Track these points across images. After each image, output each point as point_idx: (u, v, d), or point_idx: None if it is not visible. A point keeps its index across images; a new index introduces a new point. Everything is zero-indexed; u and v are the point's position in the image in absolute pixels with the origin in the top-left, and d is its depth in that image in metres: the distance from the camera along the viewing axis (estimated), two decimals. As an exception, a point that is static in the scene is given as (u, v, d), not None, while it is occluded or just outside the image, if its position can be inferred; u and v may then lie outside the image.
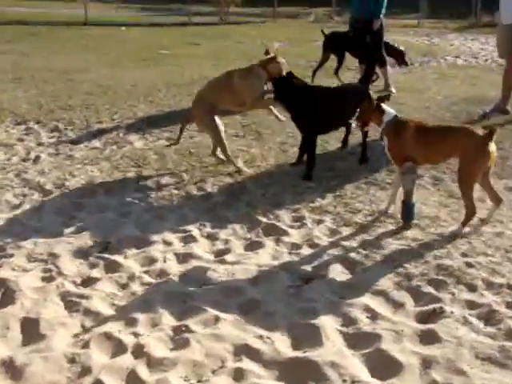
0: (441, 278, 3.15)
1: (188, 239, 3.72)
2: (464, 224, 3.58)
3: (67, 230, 3.78)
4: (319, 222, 3.91)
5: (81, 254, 3.49)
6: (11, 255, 3.42)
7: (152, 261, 3.45)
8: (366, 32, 7.45)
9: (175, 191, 4.43)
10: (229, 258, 3.48)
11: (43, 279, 3.20)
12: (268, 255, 3.50)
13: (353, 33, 7.76)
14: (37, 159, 5.03)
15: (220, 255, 3.53)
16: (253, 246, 3.64)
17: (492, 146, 3.43)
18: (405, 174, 3.69)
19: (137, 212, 4.09)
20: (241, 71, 4.68)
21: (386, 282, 3.14)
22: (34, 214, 4.00)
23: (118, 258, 3.46)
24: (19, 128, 6.01)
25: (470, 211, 3.54)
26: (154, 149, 5.36)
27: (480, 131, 3.48)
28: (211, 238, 3.75)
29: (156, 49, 12.33)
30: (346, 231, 3.76)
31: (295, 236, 3.74)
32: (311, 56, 11.75)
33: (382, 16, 7.50)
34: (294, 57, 11.65)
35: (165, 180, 4.63)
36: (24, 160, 5.01)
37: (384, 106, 3.77)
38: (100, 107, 6.87)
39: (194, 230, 3.83)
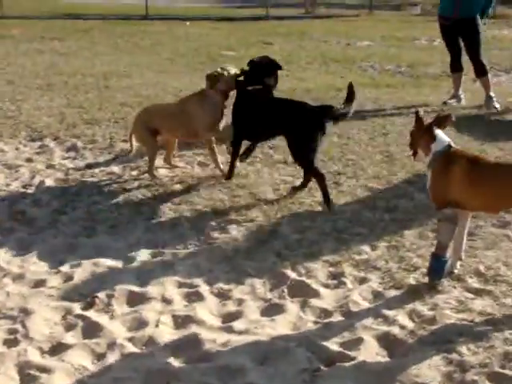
0: (507, 372, 2.81)
1: (193, 297, 3.59)
2: None
3: (51, 279, 3.75)
4: (362, 280, 3.67)
5: (59, 310, 3.43)
6: (-24, 309, 3.41)
7: (142, 324, 3.33)
8: (460, 33, 7.20)
9: (192, 232, 4.32)
10: (238, 325, 3.31)
11: (4, 342, 3.15)
12: (287, 324, 3.30)
13: (442, 35, 7.52)
14: (40, 185, 5.09)
15: (228, 320, 3.37)
16: (272, 310, 3.45)
17: None
18: (443, 222, 3.42)
19: (141, 257, 4.01)
20: (190, 97, 4.97)
21: (432, 373, 2.85)
22: (17, 256, 4.01)
23: (101, 318, 3.38)
24: (32, 145, 6.14)
25: None
26: (180, 176, 5.29)
27: None
28: (222, 296, 3.60)
29: (219, 49, 12.46)
30: (393, 295, 3.49)
31: (327, 299, 3.52)
32: (405, 59, 11.45)
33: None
34: (384, 60, 11.40)
35: (183, 217, 4.53)
36: (25, 186, 5.09)
37: (437, 130, 3.40)
38: (130, 122, 6.89)
39: (202, 284, 3.69)
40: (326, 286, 3.66)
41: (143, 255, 4.04)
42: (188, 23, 17.07)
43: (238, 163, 5.09)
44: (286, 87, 8.73)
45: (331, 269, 3.82)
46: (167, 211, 4.64)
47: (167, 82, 9.09)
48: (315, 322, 3.30)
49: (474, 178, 3.25)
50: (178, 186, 5.09)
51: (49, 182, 5.16)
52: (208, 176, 5.26)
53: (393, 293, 3.52)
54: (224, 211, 4.62)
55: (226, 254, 4.03)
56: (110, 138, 6.38)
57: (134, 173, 5.42)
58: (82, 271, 3.84)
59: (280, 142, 6.16)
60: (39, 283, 3.71)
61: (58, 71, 9.72)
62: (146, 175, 5.22)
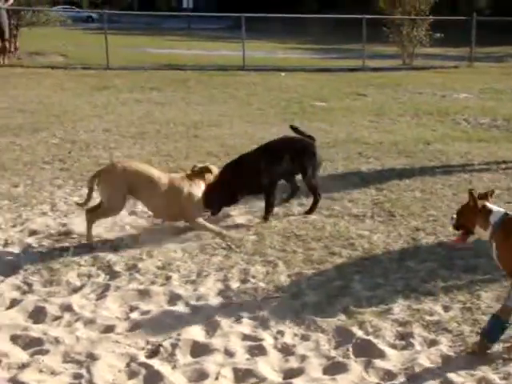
0: None
1: (256, 350, 3.58)
2: None
3: (120, 325, 3.85)
4: (431, 343, 3.56)
5: (124, 357, 3.50)
6: (46, 351, 3.53)
7: (202, 376, 3.35)
8: None
9: (262, 284, 4.34)
10: (298, 382, 3.27)
11: (69, 387, 3.25)
12: (349, 384, 3.23)
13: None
14: (121, 231, 5.26)
15: (289, 377, 3.34)
16: (334, 368, 3.39)
17: None
18: None
19: (210, 308, 4.05)
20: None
21: None
22: (91, 300, 4.14)
23: (164, 367, 3.42)
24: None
25: None
26: (255, 227, 5.34)
27: None
28: (286, 351, 3.57)
29: (311, 100, 12.59)
30: (463, 361, 3.35)
31: (393, 360, 3.42)
32: (503, 112, 11.16)
33: None
34: (480, 113, 11.16)
35: (254, 269, 4.56)
36: (107, 231, 5.27)
37: (489, 204, 3.46)
38: (214, 171, 7.08)
39: (267, 338, 3.68)
40: (393, 346, 3.56)
41: (211, 306, 4.08)
42: (283, 74, 17.37)
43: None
44: (372, 140, 8.72)
45: (400, 328, 3.72)
46: (240, 261, 4.69)
47: (255, 132, 9.26)
48: (378, 385, 3.22)
49: None
50: (252, 238, 5.13)
51: (128, 229, 5.33)
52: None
53: (461, 359, 3.38)
54: (296, 263, 4.62)
55: (294, 308, 4.01)
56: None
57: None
58: (151, 319, 3.91)
59: (360, 195, 6.16)
60: (108, 329, 3.81)
61: (153, 120, 10.09)
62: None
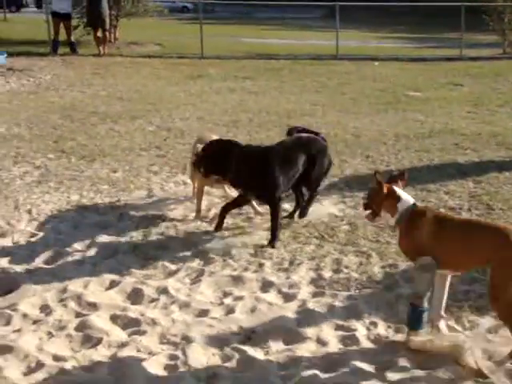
0: None
1: (349, 341, 3.56)
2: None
3: (214, 310, 3.90)
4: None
5: (218, 342, 3.55)
6: (144, 332, 3.63)
7: (294, 362, 3.36)
8: None
9: (355, 275, 4.30)
10: (390, 373, 3.24)
11: (165, 368, 3.32)
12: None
13: None
14: (213, 219, 5.33)
15: (382, 368, 3.30)
16: (429, 362, 3.33)
17: None
18: (418, 271, 3.37)
19: (302, 297, 4.05)
20: None
21: None
22: (186, 284, 4.22)
23: (257, 353, 3.45)
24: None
25: None
26: (348, 217, 5.30)
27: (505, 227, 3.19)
28: (379, 342, 3.54)
29: (405, 90, 12.34)
30: None
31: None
32: None
33: None
34: None
35: (347, 259, 4.53)
36: (202, 218, 5.35)
37: (399, 190, 3.45)
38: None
39: (360, 328, 3.66)
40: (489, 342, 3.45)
41: (304, 294, 4.07)
42: (377, 63, 17.07)
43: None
44: (469, 131, 8.46)
45: (497, 323, 3.59)
46: (332, 251, 4.66)
47: (348, 122, 9.16)
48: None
49: (437, 234, 3.28)
50: (345, 227, 5.09)
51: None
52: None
53: None
54: (389, 255, 4.55)
55: (388, 300, 3.96)
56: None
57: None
58: (244, 305, 3.95)
59: (456, 187, 5.99)
60: (202, 313, 3.88)
61: (246, 109, 10.16)
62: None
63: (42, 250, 4.69)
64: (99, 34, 17.34)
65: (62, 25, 17.30)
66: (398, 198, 3.42)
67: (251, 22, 42.12)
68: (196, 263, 4.53)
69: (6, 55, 15.35)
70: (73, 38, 17.77)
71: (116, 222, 5.27)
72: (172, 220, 5.32)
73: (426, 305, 3.41)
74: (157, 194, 6.03)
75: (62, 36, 17.54)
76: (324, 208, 5.57)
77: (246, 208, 5.36)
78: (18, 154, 7.33)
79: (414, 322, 3.44)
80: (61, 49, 17.43)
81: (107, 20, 17.58)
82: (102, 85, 12.54)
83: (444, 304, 3.50)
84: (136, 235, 5.00)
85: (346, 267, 4.41)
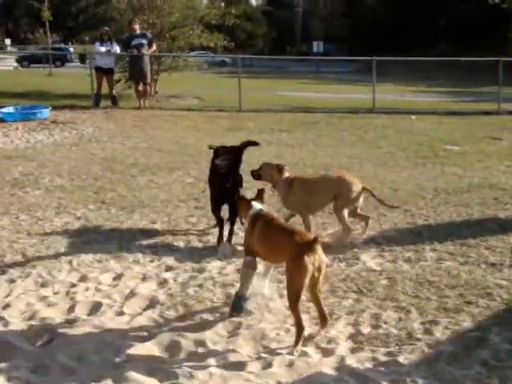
0: None
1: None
2: (296, 343, 3.98)
3: (251, 364, 3.87)
4: None
5: None
6: (180, 384, 3.61)
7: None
8: None
9: (394, 331, 4.24)
10: None
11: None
12: None
13: None
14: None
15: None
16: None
17: (314, 258, 3.93)
18: (243, 268, 4.51)
19: (340, 352, 4.00)
20: None
21: None
22: (223, 337, 4.21)
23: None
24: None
25: (299, 329, 3.99)
26: (386, 271, 5.26)
27: (306, 237, 4.03)
28: (418, 401, 3.46)
29: (443, 143, 12.30)
30: None
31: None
32: None
33: None
34: None
35: (386, 314, 4.47)
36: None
37: (254, 202, 4.54)
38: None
39: (399, 386, 3.58)
40: (536, 405, 3.35)
41: (342, 349, 4.02)
42: (414, 117, 17.10)
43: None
44: (509, 185, 8.38)
45: (544, 387, 3.49)
46: (371, 306, 4.61)
47: (385, 175, 9.15)
48: None
49: (261, 232, 4.34)
50: (383, 282, 5.05)
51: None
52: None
53: None
54: (429, 311, 4.48)
55: (428, 357, 3.88)
56: (323, 228, 6.55)
57: (343, 264, 5.48)
58: (282, 360, 3.91)
59: (497, 242, 5.91)
60: (240, 367, 3.84)
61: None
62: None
63: (82, 301, 4.74)
64: (140, 87, 17.74)
65: (104, 79, 17.79)
66: (250, 206, 4.55)
67: (288, 75, 42.75)
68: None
69: (50, 108, 15.79)
70: (115, 92, 18.23)
71: (154, 274, 5.30)
72: (210, 271, 5.33)
73: (247, 295, 4.51)
74: (195, 245, 6.06)
75: (105, 90, 18.02)
76: (362, 262, 5.53)
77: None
78: (59, 204, 7.47)
79: (236, 307, 4.45)
80: (103, 102, 17.88)
81: (148, 75, 17.97)
82: (142, 137, 12.77)
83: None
84: (174, 287, 5.01)
85: (385, 322, 4.35)
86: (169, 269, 5.43)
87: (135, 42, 17.60)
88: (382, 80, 24.28)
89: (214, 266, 5.50)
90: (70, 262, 5.54)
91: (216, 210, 6.18)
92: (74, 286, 5.05)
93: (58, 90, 22.09)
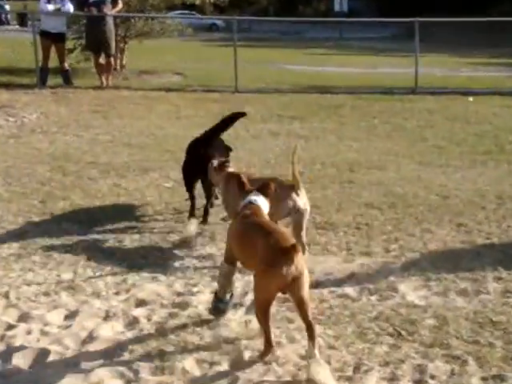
0: None
1: None
2: (261, 357, 4.48)
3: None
4: None
5: None
6: None
7: None
8: None
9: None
10: None
11: None
12: None
13: None
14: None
15: None
16: None
17: (288, 268, 4.20)
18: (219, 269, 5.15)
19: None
20: None
21: None
22: None
23: None
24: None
25: (266, 344, 4.47)
26: (433, 307, 5.27)
27: (283, 241, 4.35)
28: None
29: (510, 135, 12.31)
30: None
31: None
32: None
33: None
34: None
35: (433, 366, 4.46)
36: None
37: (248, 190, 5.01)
38: (375, 230, 7.11)
39: None
40: None
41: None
42: (471, 99, 17.14)
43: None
44: None
45: None
46: (412, 354, 4.61)
47: (432, 177, 9.19)
48: None
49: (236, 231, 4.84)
50: (429, 322, 5.06)
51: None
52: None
53: None
54: (493, 362, 4.48)
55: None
56: (348, 249, 6.60)
57: (374, 298, 5.49)
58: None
59: None
60: None
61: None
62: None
63: (22, 349, 4.73)
64: (101, 59, 17.79)
65: (53, 48, 17.77)
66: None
67: (299, 44, 42.89)
68: (227, 367, 4.51)
69: (-21, 88, 15.83)
70: (67, 65, 18.25)
71: (121, 310, 5.30)
72: (195, 306, 5.34)
73: (226, 297, 5.10)
74: (176, 270, 6.07)
75: (53, 62, 18.02)
76: (400, 295, 5.53)
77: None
78: (-8, 217, 7.50)
79: (217, 309, 5.08)
80: (51, 79, 17.95)
81: (112, 42, 18.00)
82: (104, 127, 12.83)
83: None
84: (148, 328, 5.02)
85: (433, 377, 4.36)
86: (140, 303, 5.42)
87: (95, -2, 17.69)
88: (426, 49, 24.43)
89: (200, 299, 5.49)
90: (6, 295, 5.54)
91: (189, 186, 7.33)
92: (11, 327, 5.04)
93: (-10, 63, 22.14)
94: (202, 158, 7.01)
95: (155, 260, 6.34)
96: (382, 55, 33.56)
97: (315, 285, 5.70)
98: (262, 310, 4.40)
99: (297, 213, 5.96)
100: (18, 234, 6.98)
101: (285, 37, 49.13)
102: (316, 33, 49.99)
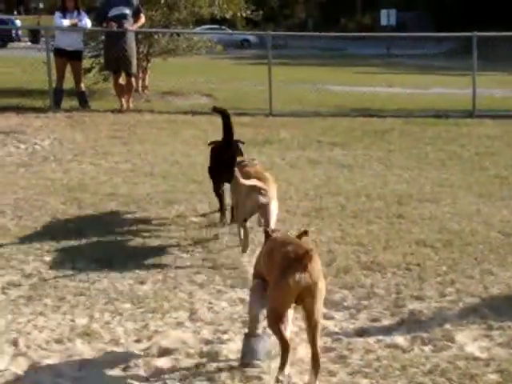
0: None
1: None
2: (282, 365, 4.66)
3: None
4: None
5: None
6: None
7: None
8: None
9: None
10: None
11: None
12: None
13: None
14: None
15: None
16: None
17: (300, 276, 4.60)
18: (250, 293, 5.28)
19: None
20: None
21: None
22: None
23: None
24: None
25: (283, 346, 4.69)
26: (496, 360, 5.21)
27: (299, 249, 4.72)
28: None
29: None
30: None
31: None
32: None
33: None
34: None
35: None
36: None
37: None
38: (428, 271, 7.06)
39: None
40: None
41: None
42: (537, 123, 17.05)
43: None
44: None
45: None
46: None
47: (493, 212, 9.14)
48: None
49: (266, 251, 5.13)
50: (492, 377, 5.00)
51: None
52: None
53: None
54: None
55: None
56: (397, 292, 6.54)
57: (427, 348, 5.44)
58: None
59: None
60: None
61: (335, 190, 10.22)
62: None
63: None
64: (121, 80, 17.88)
65: (68, 67, 17.91)
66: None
67: (342, 61, 42.97)
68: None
69: (-14, 111, 15.97)
70: (84, 86, 18.36)
71: (142, 361, 5.29)
72: (225, 356, 5.33)
73: (259, 332, 5.16)
74: (203, 316, 6.07)
75: (68, 83, 18.16)
76: (458, 345, 5.48)
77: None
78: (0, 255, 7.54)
79: (246, 351, 5.14)
80: (66, 101, 18.08)
81: (134, 61, 18.07)
82: (125, 154, 12.90)
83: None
84: (173, 379, 5.01)
85: None
86: (164, 352, 5.42)
87: (114, 11, 17.78)
88: (484, 67, 24.29)
89: (230, 348, 5.48)
90: (15, 343, 5.56)
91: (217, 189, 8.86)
92: (19, 379, 5.06)
93: None
94: (228, 162, 8.31)
95: (180, 303, 6.33)
96: (435, 74, 33.54)
97: (361, 333, 5.68)
98: (273, 320, 4.71)
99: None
100: (29, 275, 7.01)
101: (325, 53, 49.31)
102: (360, 49, 50.14)
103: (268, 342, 5.16)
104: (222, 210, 8.77)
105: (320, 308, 4.70)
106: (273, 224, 7.11)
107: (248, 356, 5.12)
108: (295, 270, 4.56)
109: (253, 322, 5.15)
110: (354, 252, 7.56)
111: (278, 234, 5.29)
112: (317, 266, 4.68)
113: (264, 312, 4.98)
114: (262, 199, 7.23)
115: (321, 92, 23.51)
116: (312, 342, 4.67)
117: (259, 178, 7.43)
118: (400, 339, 5.60)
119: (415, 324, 5.87)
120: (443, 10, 57.80)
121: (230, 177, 7.96)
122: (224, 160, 8.49)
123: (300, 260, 4.59)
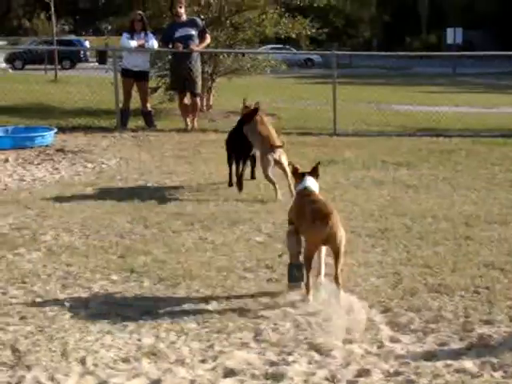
0: None
1: None
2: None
3: None
4: None
5: None
6: None
7: None
8: None
9: None
10: None
11: None
12: None
13: None
14: None
15: None
16: None
17: (321, 228, 6.49)
18: (287, 236, 7.09)
19: None
20: None
21: None
22: None
23: None
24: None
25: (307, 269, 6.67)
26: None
27: (324, 209, 6.67)
28: None
29: None
30: None
31: None
32: None
33: None
34: None
35: None
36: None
37: (307, 176, 7.26)
38: (497, 294, 6.98)
39: None
40: None
41: None
42: None
43: None
44: None
45: None
46: None
47: None
48: None
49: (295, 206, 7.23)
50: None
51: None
52: None
53: None
54: None
55: None
56: (465, 316, 6.47)
57: (497, 374, 5.36)
58: None
59: None
60: None
61: (400, 211, 10.15)
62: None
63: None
64: (186, 100, 18.00)
65: (135, 87, 18.10)
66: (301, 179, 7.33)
67: (407, 80, 42.80)
68: None
69: (55, 131, 16.17)
70: (149, 107, 18.53)
71: (207, 381, 5.31)
72: (291, 378, 5.31)
73: (300, 260, 6.80)
74: (269, 337, 6.06)
75: (135, 103, 18.34)
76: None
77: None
78: (67, 273, 7.63)
79: (291, 276, 6.84)
80: (132, 121, 18.25)
81: (199, 81, 18.21)
82: (190, 173, 12.96)
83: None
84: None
85: None
86: (229, 373, 5.43)
87: (180, 32, 17.98)
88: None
89: (296, 370, 5.47)
90: (83, 361, 5.61)
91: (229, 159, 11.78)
92: (88, 397, 5.11)
93: (67, 103, 22.71)
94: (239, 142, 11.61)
95: (245, 324, 6.34)
96: (502, 93, 33.18)
97: (429, 357, 5.63)
98: (307, 255, 6.63)
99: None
100: (96, 293, 7.09)
101: (390, 73, 49.12)
102: (425, 68, 49.85)
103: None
104: (231, 177, 11.79)
105: (342, 246, 6.56)
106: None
107: (293, 279, 6.85)
108: (320, 223, 6.46)
109: (293, 255, 6.89)
110: (421, 274, 7.50)
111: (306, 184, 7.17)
112: (336, 220, 6.52)
113: (298, 248, 6.81)
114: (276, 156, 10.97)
115: (385, 111, 23.41)
116: (335, 266, 6.56)
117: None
118: (469, 364, 5.53)
119: (485, 349, 5.80)
120: (510, 28, 57.20)
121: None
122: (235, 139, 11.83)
123: (324, 217, 6.47)
